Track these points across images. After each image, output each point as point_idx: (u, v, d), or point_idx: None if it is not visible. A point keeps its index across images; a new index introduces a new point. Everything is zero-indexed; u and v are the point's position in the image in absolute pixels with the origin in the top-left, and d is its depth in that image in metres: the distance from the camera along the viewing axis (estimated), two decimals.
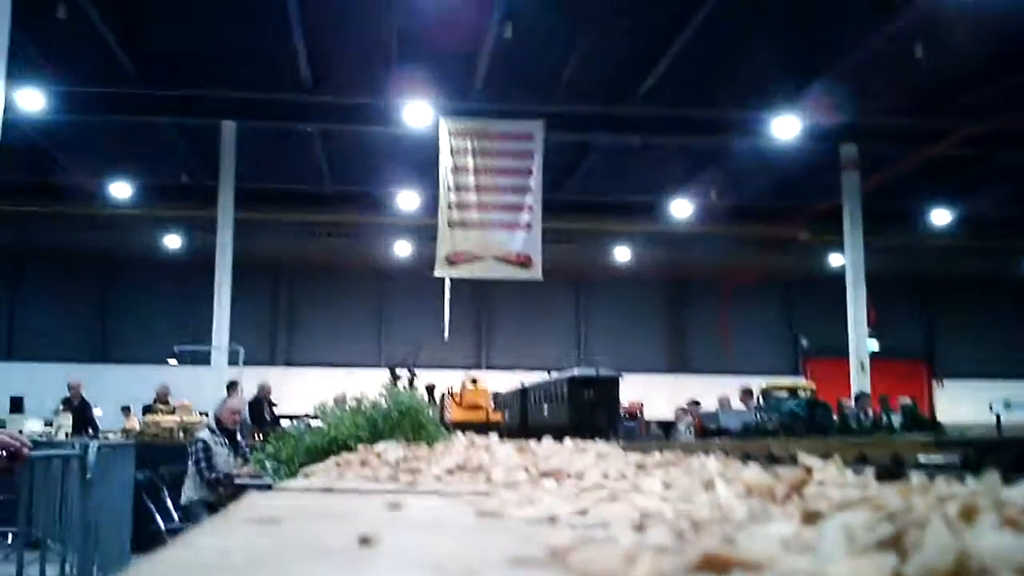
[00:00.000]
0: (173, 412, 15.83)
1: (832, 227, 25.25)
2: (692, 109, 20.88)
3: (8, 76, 10.48)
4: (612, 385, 14.26)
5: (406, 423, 6.09)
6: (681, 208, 27.93)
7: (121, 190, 27.19)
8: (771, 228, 30.59)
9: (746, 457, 2.27)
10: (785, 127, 20.48)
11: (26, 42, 17.14)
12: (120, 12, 17.54)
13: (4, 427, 14.69)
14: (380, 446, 2.57)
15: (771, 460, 3.31)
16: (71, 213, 29.17)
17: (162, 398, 17.21)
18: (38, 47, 18.20)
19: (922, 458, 3.31)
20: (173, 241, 30.08)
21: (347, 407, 6.46)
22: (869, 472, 1.37)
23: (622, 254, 31.19)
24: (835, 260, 28.30)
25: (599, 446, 2.56)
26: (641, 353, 31.56)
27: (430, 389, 19.66)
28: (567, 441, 2.77)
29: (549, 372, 16.27)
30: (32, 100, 18.54)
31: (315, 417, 7.26)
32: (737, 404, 18.19)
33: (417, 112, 19.56)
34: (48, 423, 15.84)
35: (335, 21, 17.86)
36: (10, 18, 10.28)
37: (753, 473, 1.45)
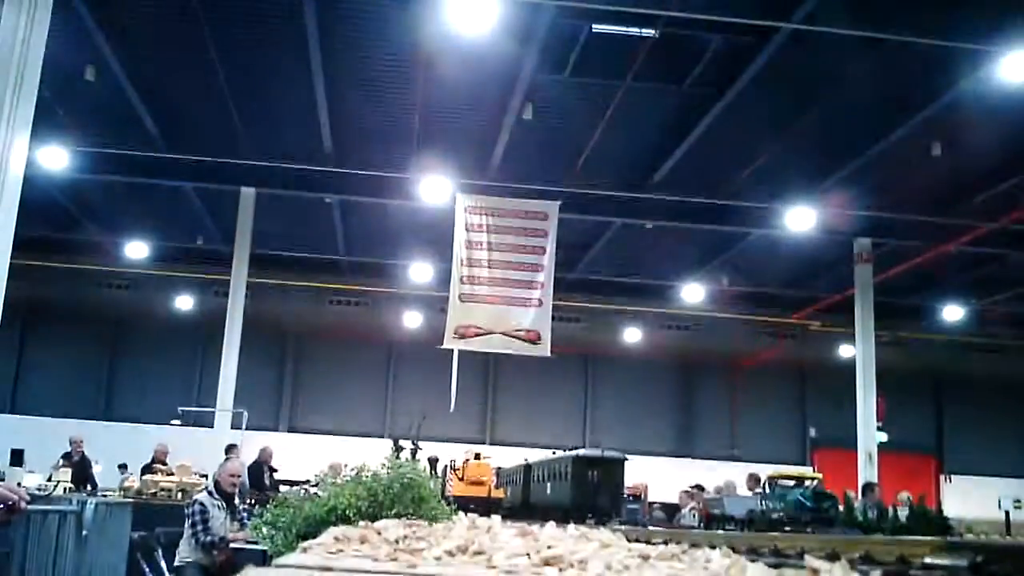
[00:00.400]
0: (172, 473, 15.70)
1: (844, 318, 25.23)
2: (706, 198, 21.03)
3: (33, 133, 10.63)
4: (617, 466, 14.07)
5: (407, 496, 6.01)
6: (693, 292, 27.95)
7: (137, 250, 27.39)
8: (783, 316, 30.60)
9: (752, 552, 2.23)
10: (799, 219, 20.50)
11: (53, 101, 17.45)
12: (148, 77, 17.86)
13: (3, 479, 14.60)
14: (380, 523, 2.53)
15: (777, 555, 3.25)
16: (85, 269, 29.38)
17: (160, 458, 17.09)
18: (65, 106, 18.49)
19: (929, 559, 3.25)
20: (184, 302, 30.17)
21: (348, 476, 6.39)
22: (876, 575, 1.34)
23: (632, 335, 31.13)
24: (846, 351, 28.18)
25: (602, 534, 2.52)
26: (648, 435, 31.30)
27: (433, 461, 19.49)
28: (570, 527, 2.73)
29: (554, 451, 16.09)
30: (55, 158, 18.78)
31: (315, 485, 7.20)
32: (743, 490, 17.97)
33: (434, 187, 19.75)
34: (48, 477, 15.73)
35: (359, 95, 18.16)
36: (39, 77, 10.46)
37: (759, 572, 1.42)
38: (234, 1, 15.09)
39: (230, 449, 17.49)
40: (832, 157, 19.41)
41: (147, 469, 16.49)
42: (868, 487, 18.85)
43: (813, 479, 19.02)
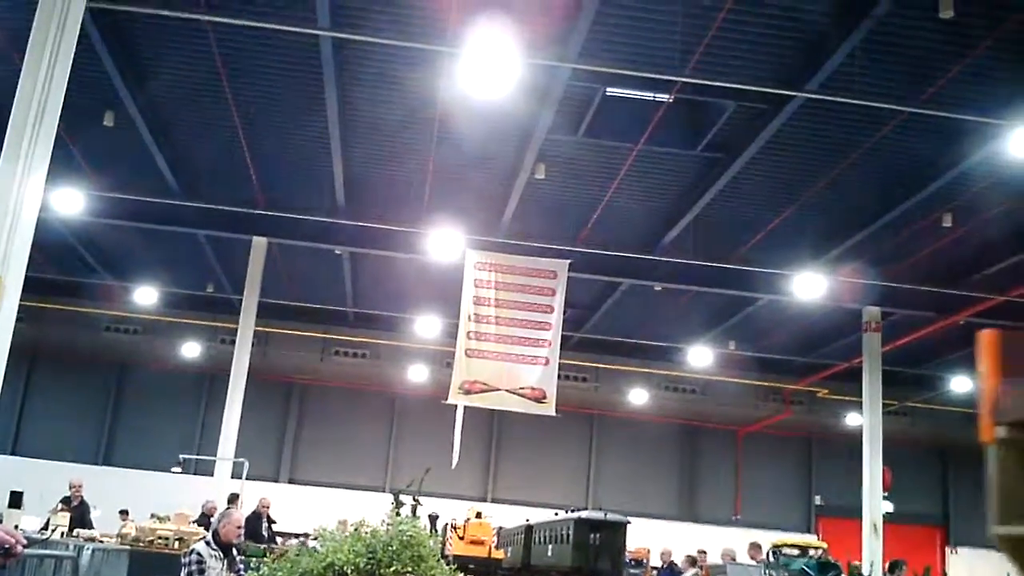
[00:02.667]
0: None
1: (852, 386, 25.12)
2: (716, 262, 21.06)
3: (48, 175, 10.71)
4: (619, 530, 13.96)
5: (406, 554, 5.94)
6: (700, 355, 27.87)
7: (146, 295, 27.43)
8: (790, 382, 30.48)
9: None
10: (808, 286, 20.39)
11: (70, 144, 17.64)
12: (166, 125, 18.07)
13: (0, 522, 14.50)
14: None
15: None
16: (93, 313, 29.44)
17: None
18: (81, 150, 18.68)
19: None
20: (191, 349, 30.17)
21: (347, 532, 6.32)
22: None
23: (638, 396, 30.99)
24: (853, 419, 28.01)
25: None
26: (651, 497, 31.03)
27: (433, 519, 19.28)
28: None
29: (556, 511, 15.96)
30: (70, 201, 18.86)
31: (314, 538, 7.12)
32: (743, 557, 17.76)
33: (444, 242, 19.81)
34: (45, 521, 15.61)
35: (374, 150, 18.33)
36: (57, 120, 10.57)
37: None
38: (254, 55, 15.27)
39: (233, 499, 17.35)
40: (843, 225, 19.46)
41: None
42: (896, 565, 18.23)
43: (818, 548, 18.83)
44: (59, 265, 25.70)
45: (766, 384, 30.82)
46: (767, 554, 18.38)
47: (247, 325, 22.91)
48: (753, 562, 17.53)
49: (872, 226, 18.85)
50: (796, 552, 18.51)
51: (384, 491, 27.82)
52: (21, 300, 10.26)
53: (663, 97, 15.12)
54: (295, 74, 15.70)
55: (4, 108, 10.72)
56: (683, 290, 23.33)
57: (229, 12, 13.66)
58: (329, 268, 24.61)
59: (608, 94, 15.21)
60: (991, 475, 4.29)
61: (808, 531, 30.55)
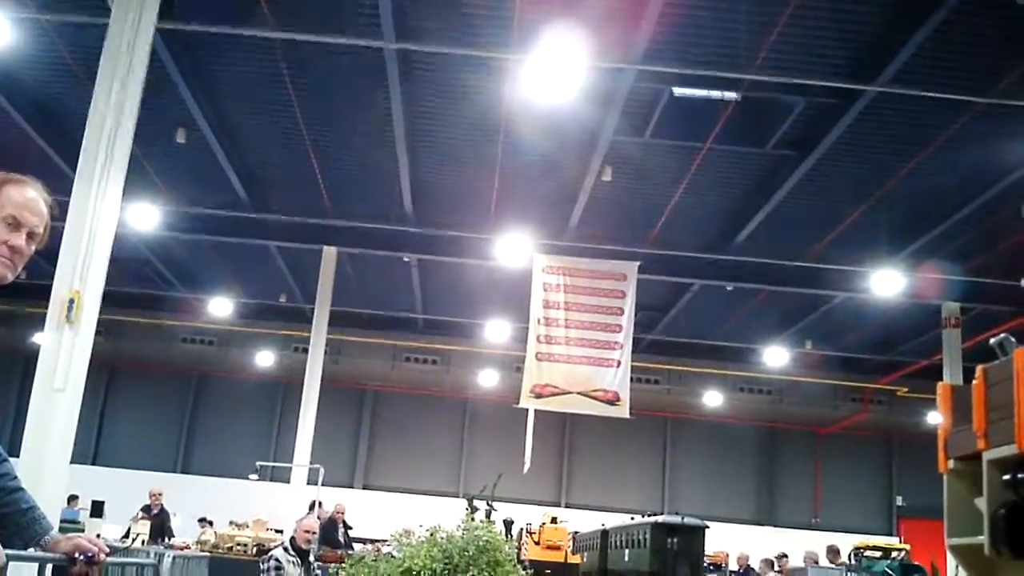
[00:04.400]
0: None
1: (931, 383, 24.47)
2: (789, 260, 20.72)
3: (124, 192, 10.93)
4: (697, 534, 13.76)
5: (482, 559, 5.91)
6: (775, 355, 27.45)
7: (220, 307, 27.93)
8: (869, 381, 29.87)
9: None
10: (886, 283, 19.96)
11: (144, 162, 18.01)
12: (236, 139, 18.36)
13: (83, 531, 14.84)
14: None
15: None
16: (168, 325, 30.03)
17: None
18: (155, 166, 19.07)
19: None
20: (265, 358, 30.60)
21: (412, 539, 6.31)
22: None
23: (712, 398, 30.63)
24: (934, 417, 27.34)
25: None
26: (728, 501, 30.61)
27: (508, 524, 19.25)
28: None
29: (632, 516, 15.80)
30: (145, 217, 19.26)
31: (391, 544, 7.14)
32: (824, 561, 17.43)
33: (512, 247, 19.80)
34: (126, 529, 15.94)
35: (440, 158, 18.40)
36: (131, 139, 10.79)
37: None
38: (321, 69, 15.43)
39: (313, 506, 17.53)
40: (919, 220, 19.01)
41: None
42: None
43: (900, 550, 18.41)
44: (136, 279, 26.26)
45: (845, 383, 30.23)
46: (848, 556, 18.03)
47: (319, 333, 23.18)
48: (833, 566, 17.21)
49: (949, 220, 18.40)
50: (878, 555, 18.13)
51: (457, 496, 27.91)
52: (100, 314, 10.48)
53: (731, 96, 14.92)
54: (362, 85, 15.82)
55: (79, 129, 10.96)
56: (757, 290, 22.99)
57: (296, 28, 13.83)
58: (398, 275, 24.78)
59: (675, 94, 15.05)
60: (945, 498, 4.70)
61: (890, 533, 29.84)
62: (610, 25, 13.13)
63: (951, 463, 3.98)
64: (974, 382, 4.48)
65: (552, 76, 13.21)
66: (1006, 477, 3.99)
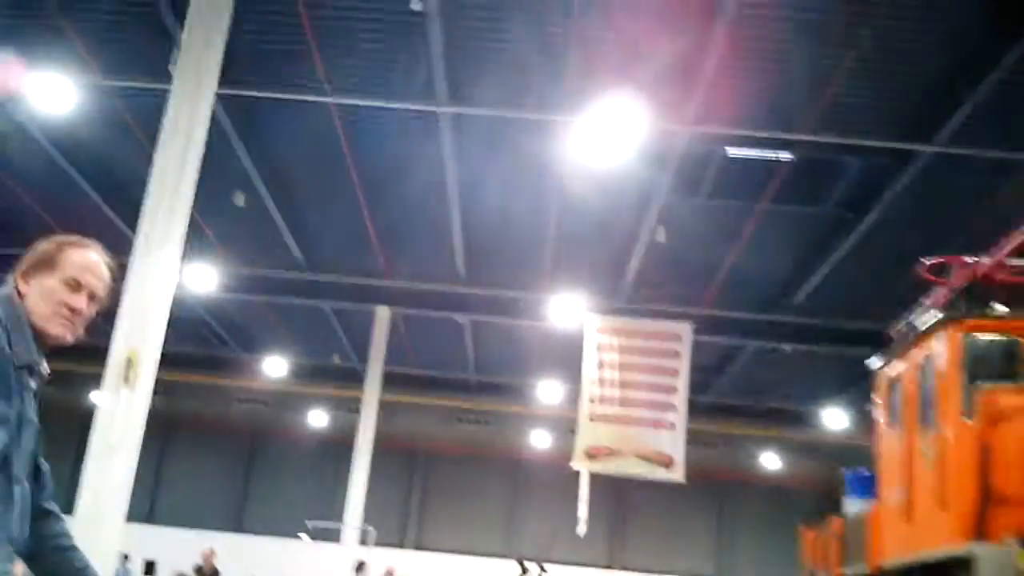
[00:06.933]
0: None
1: None
2: (847, 320, 20.38)
3: (183, 255, 11.07)
4: None
5: None
6: (835, 418, 26.92)
7: (275, 366, 28.13)
8: None
9: None
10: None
11: (202, 223, 18.30)
12: (293, 201, 18.60)
13: None
14: None
15: None
16: (224, 385, 30.29)
17: None
18: (213, 228, 19.37)
19: None
20: (318, 418, 30.70)
21: None
22: None
23: (770, 461, 30.05)
24: None
25: None
26: (785, 569, 29.85)
27: None
28: None
29: None
30: (203, 278, 19.52)
31: None
32: None
33: (566, 308, 19.74)
34: None
35: (493, 219, 18.46)
36: (191, 202, 10.95)
37: None
38: (375, 131, 15.62)
39: (361, 567, 17.41)
40: None
41: None
42: None
43: None
44: (193, 339, 26.56)
45: None
46: None
47: (372, 394, 23.24)
48: None
49: None
50: None
51: (508, 557, 27.58)
52: (157, 374, 10.56)
53: (786, 156, 14.83)
54: (415, 147, 15.98)
55: (140, 192, 11.15)
56: (814, 351, 22.62)
57: (352, 93, 14.06)
58: (451, 336, 24.79)
59: (729, 155, 15.01)
60: None
61: None
62: (664, 86, 13.16)
63: None
64: None
65: (606, 137, 13.24)
66: None
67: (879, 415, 9.07)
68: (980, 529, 6.66)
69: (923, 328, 8.23)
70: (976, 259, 8.35)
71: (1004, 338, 7.53)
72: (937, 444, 7.51)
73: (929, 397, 7.90)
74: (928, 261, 8.90)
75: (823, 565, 9.37)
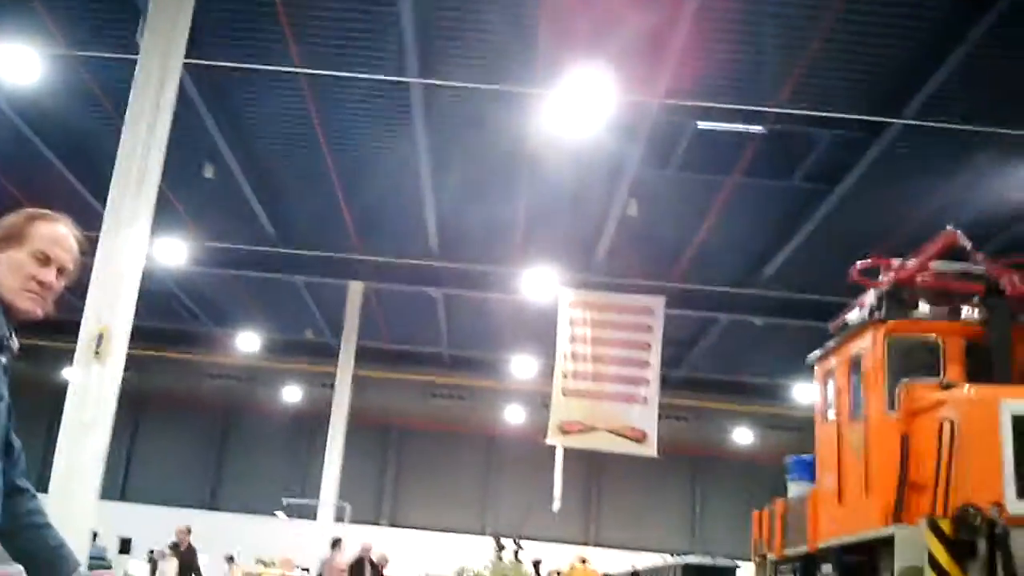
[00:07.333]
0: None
1: None
2: (818, 294, 20.53)
3: (152, 228, 10.97)
4: (728, 575, 13.58)
5: None
6: (806, 391, 27.14)
7: (247, 342, 28.01)
8: None
9: None
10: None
11: (172, 196, 18.13)
12: (262, 174, 18.47)
13: (111, 567, 14.84)
14: None
15: None
16: (196, 361, 30.14)
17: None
18: (183, 202, 19.20)
19: None
20: (292, 394, 30.63)
21: None
22: None
23: (742, 435, 30.30)
24: None
25: None
26: None
27: (536, 564, 19.06)
28: None
29: (662, 556, 15.62)
30: (173, 252, 19.36)
31: None
32: None
33: (538, 282, 19.76)
34: (153, 567, 15.88)
35: (465, 193, 18.41)
36: (159, 175, 10.85)
37: None
38: (346, 104, 15.54)
39: (336, 543, 17.42)
40: (953, 254, 18.75)
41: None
42: None
43: None
44: (164, 314, 26.39)
45: None
46: None
47: (346, 369, 23.19)
48: None
49: (979, 253, 18.15)
50: None
51: (483, 534, 27.71)
52: (128, 349, 10.49)
53: (756, 129, 14.86)
54: (387, 120, 15.91)
55: (108, 165, 11.04)
56: (785, 324, 22.77)
57: (321, 64, 13.95)
58: (425, 311, 24.77)
59: (699, 127, 15.02)
60: None
61: None
62: (634, 59, 13.14)
63: None
64: None
65: (577, 110, 13.22)
66: None
67: (816, 406, 9.68)
68: (899, 512, 7.24)
69: (852, 328, 8.84)
70: (901, 262, 8.97)
71: (923, 338, 8.11)
72: (864, 435, 8.08)
73: (857, 391, 8.46)
74: (858, 264, 9.48)
75: (768, 544, 10.00)
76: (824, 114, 14.07)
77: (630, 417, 18.66)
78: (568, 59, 13.00)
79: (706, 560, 13.74)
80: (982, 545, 6.32)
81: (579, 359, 18.95)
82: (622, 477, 30.71)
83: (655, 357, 18.96)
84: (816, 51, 12.96)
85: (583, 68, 12.67)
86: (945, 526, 6.49)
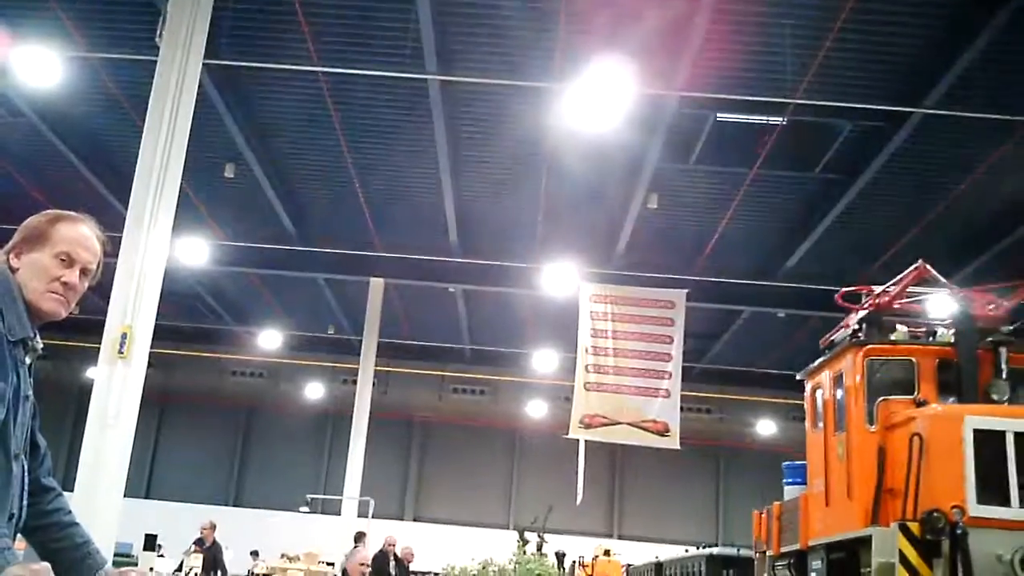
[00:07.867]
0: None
1: None
2: (840, 285, 20.38)
3: (174, 227, 11.04)
4: (752, 566, 13.53)
5: None
6: None
7: (270, 339, 28.14)
8: None
9: None
10: (939, 307, 19.57)
11: (193, 197, 18.24)
12: (284, 173, 18.55)
13: (136, 564, 14.92)
14: None
15: None
16: (219, 359, 30.31)
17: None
18: (204, 201, 19.30)
19: None
20: (314, 390, 30.76)
21: (474, 571, 6.27)
22: None
23: (765, 427, 30.18)
24: None
25: None
26: None
27: (560, 556, 19.08)
28: None
29: (686, 548, 15.59)
30: (194, 251, 19.46)
31: None
32: None
33: (559, 276, 19.73)
34: (179, 563, 15.99)
35: (485, 189, 18.44)
36: (180, 176, 10.90)
37: None
38: (366, 102, 15.57)
39: (360, 537, 17.48)
40: (970, 243, 18.63)
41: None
42: None
43: None
44: (186, 313, 26.55)
45: None
46: None
47: (367, 365, 23.25)
48: None
49: (1001, 244, 18.02)
50: None
51: (507, 528, 27.75)
52: (151, 348, 10.56)
53: (776, 120, 14.79)
54: (406, 117, 15.93)
55: (129, 166, 11.11)
56: (807, 316, 22.66)
57: (340, 62, 13.98)
58: (445, 306, 24.82)
59: (719, 120, 14.96)
60: None
61: None
62: (653, 52, 13.10)
63: None
64: None
65: (596, 104, 13.18)
66: None
67: (807, 417, 10.57)
68: (876, 515, 8.08)
69: (837, 348, 9.76)
70: (882, 288, 10.05)
71: (899, 359, 8.98)
72: (847, 445, 8.96)
73: (841, 406, 9.34)
74: (843, 290, 10.83)
75: (767, 542, 10.94)
76: (844, 104, 14.00)
77: (652, 410, 18.62)
78: (587, 53, 12.98)
79: (730, 551, 13.70)
80: (946, 544, 7.13)
81: (601, 353, 18.91)
82: (645, 470, 30.65)
83: (677, 350, 18.90)
84: (835, 41, 12.86)
85: (602, 62, 12.64)
86: (914, 528, 7.33)
